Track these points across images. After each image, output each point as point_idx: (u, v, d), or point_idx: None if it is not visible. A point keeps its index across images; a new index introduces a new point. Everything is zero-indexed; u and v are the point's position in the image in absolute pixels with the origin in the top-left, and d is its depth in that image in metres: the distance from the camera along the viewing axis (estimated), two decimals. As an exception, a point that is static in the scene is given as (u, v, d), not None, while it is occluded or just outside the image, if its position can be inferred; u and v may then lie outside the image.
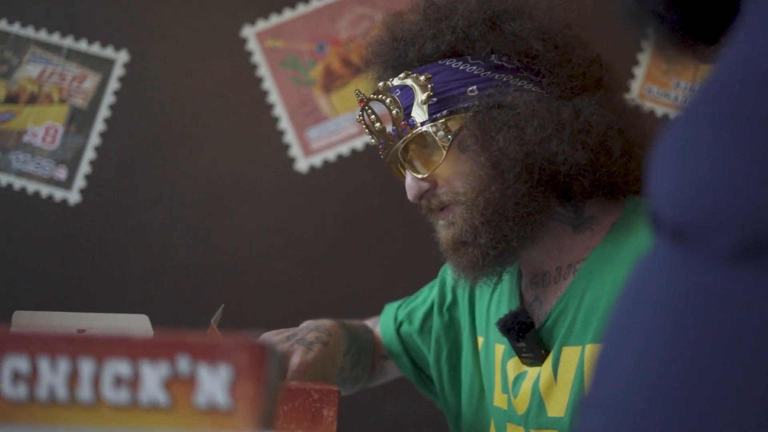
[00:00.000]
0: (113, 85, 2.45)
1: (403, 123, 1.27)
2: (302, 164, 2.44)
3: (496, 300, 1.39)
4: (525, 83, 1.24)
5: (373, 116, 1.31)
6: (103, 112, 2.44)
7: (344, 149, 2.44)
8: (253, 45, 2.46)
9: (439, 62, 1.27)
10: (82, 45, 2.45)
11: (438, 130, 1.25)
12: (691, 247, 0.49)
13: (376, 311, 2.36)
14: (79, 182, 2.43)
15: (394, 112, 1.27)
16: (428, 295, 1.54)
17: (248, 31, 2.47)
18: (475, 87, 1.24)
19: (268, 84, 2.45)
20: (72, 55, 2.45)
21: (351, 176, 2.43)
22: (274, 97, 2.45)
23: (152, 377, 0.58)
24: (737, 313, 0.47)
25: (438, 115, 1.25)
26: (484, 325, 1.40)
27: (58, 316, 1.29)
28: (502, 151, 1.20)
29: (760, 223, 0.46)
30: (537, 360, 1.26)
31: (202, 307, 1.90)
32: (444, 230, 1.30)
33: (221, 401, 0.57)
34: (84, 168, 2.43)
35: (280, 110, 2.45)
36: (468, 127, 1.23)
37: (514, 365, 1.31)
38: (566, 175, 1.21)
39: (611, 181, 1.24)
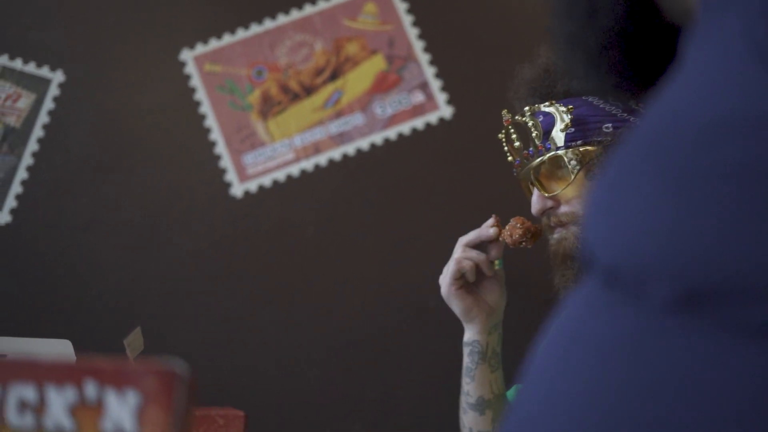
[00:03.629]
0: (48, 105, 2.42)
1: (540, 145, 1.41)
2: (237, 189, 2.43)
3: None
4: None
5: (514, 135, 1.46)
6: (37, 132, 2.41)
7: (280, 175, 2.43)
8: (191, 69, 2.45)
9: (583, 97, 1.40)
10: (17, 64, 2.42)
11: (571, 157, 1.39)
12: (625, 293, 0.49)
13: (312, 337, 2.36)
14: (10, 202, 2.39)
15: (534, 133, 1.42)
16: None
17: (186, 55, 2.45)
18: (610, 124, 1.38)
19: (205, 108, 2.44)
20: (6, 73, 2.42)
21: (286, 202, 2.43)
22: (210, 121, 2.44)
23: (58, 402, 0.56)
24: (669, 361, 0.47)
25: (573, 143, 1.39)
26: None
27: (-23, 339, 1.26)
28: None
29: (695, 274, 0.46)
30: None
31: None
32: (556, 243, 1.42)
33: (128, 428, 0.56)
34: (15, 188, 2.39)
35: (216, 135, 2.44)
36: (598, 158, 1.38)
37: None
38: None
39: None
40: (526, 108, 1.44)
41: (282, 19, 2.47)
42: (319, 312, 2.38)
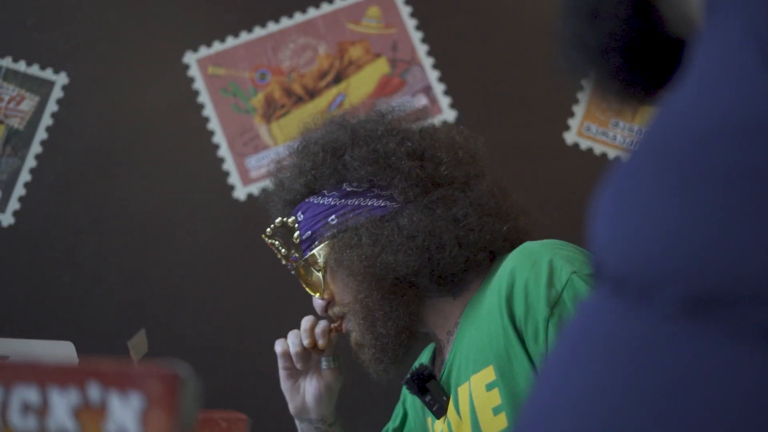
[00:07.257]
0: (51, 107, 2.42)
1: (289, 260, 1.51)
2: (240, 192, 2.43)
3: None
4: (375, 201, 1.43)
5: (276, 251, 1.54)
6: (41, 134, 2.41)
7: (283, 178, 2.43)
8: (194, 71, 2.45)
9: (306, 200, 1.47)
10: (21, 66, 2.42)
11: (313, 262, 1.47)
12: (633, 299, 0.49)
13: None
14: (13, 204, 2.39)
15: (282, 251, 1.51)
16: (396, 412, 1.70)
17: (190, 58, 2.45)
18: (334, 216, 1.44)
19: (209, 111, 2.44)
20: (10, 75, 2.42)
21: (289, 206, 2.42)
22: (214, 124, 2.44)
23: (61, 405, 0.56)
24: (677, 367, 0.46)
25: (310, 248, 1.47)
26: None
27: (-21, 341, 1.26)
28: (350, 269, 1.42)
29: (702, 278, 0.46)
30: (442, 408, 1.41)
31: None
32: (351, 337, 1.49)
33: (132, 431, 0.56)
34: (19, 190, 2.39)
35: (219, 137, 2.44)
36: (329, 253, 1.44)
37: (439, 427, 1.44)
38: (408, 275, 1.39)
39: (453, 270, 1.40)
40: (267, 230, 1.52)
41: (285, 23, 2.47)
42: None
